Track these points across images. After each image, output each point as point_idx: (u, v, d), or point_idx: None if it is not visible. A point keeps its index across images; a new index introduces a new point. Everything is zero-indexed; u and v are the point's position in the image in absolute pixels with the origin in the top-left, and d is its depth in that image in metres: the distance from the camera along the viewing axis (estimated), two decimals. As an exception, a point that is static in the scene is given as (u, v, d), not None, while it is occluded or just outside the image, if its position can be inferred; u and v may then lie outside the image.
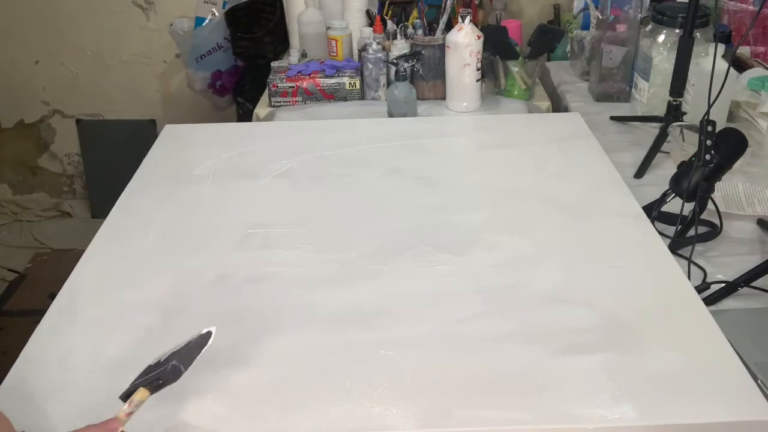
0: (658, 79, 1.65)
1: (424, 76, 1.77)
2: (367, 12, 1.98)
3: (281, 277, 0.99)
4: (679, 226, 1.19)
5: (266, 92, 1.85)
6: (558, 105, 1.93)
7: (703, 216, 1.20)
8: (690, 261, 1.12)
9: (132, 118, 2.83)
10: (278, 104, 1.81)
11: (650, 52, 1.66)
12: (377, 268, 1.01)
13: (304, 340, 0.87)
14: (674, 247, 1.16)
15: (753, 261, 1.14)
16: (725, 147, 1.19)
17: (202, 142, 1.44)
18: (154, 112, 2.82)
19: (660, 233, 1.10)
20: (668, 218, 1.22)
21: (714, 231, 1.25)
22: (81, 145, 2.90)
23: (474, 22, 1.72)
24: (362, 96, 1.82)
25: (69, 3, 2.63)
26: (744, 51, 1.85)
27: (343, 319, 0.90)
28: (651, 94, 1.68)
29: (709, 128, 1.20)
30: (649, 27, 1.68)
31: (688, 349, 0.83)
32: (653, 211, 1.20)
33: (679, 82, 1.46)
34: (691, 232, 1.16)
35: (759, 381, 0.82)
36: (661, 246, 1.05)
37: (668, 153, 1.50)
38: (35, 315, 0.93)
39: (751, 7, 1.87)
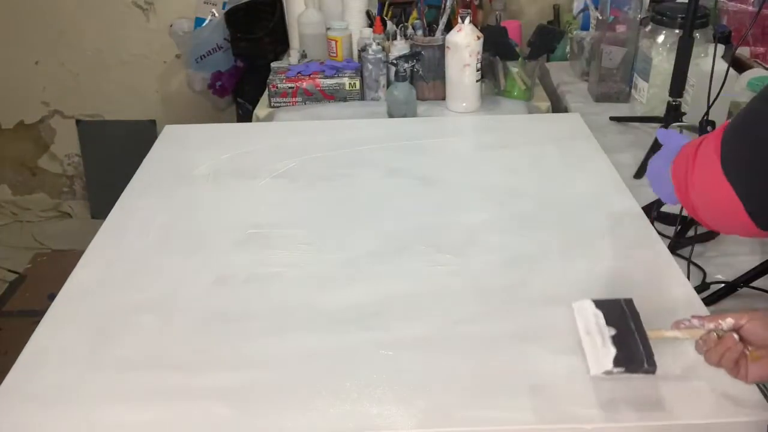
0: (657, 79, 1.65)
1: (424, 76, 1.77)
2: (367, 13, 1.98)
3: (281, 277, 0.99)
4: (679, 227, 1.19)
5: (266, 93, 1.85)
6: (558, 105, 1.93)
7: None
8: (689, 261, 1.12)
9: (132, 119, 2.82)
10: (278, 105, 1.81)
11: (650, 52, 1.66)
12: (377, 268, 1.01)
13: (304, 340, 0.87)
14: (674, 247, 1.16)
15: (753, 261, 1.14)
16: None
17: (202, 143, 1.44)
18: (154, 112, 2.81)
19: (659, 233, 1.10)
20: (668, 218, 1.22)
21: (713, 232, 1.25)
22: (81, 145, 2.90)
23: (473, 22, 1.71)
24: (362, 96, 1.82)
25: (69, 3, 2.63)
26: (743, 51, 1.85)
27: (343, 319, 0.90)
28: (650, 94, 1.68)
29: (709, 128, 1.20)
30: (649, 27, 1.68)
31: (687, 347, 0.83)
32: (653, 211, 1.20)
33: (678, 83, 1.46)
34: (691, 233, 1.16)
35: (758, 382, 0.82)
36: (661, 246, 1.05)
37: (668, 153, 1.50)
38: (35, 315, 0.93)
39: (750, 8, 1.87)
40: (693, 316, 0.75)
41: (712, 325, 0.73)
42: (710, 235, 1.24)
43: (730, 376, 0.72)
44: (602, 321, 0.77)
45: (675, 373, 0.79)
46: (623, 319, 0.77)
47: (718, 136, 0.70)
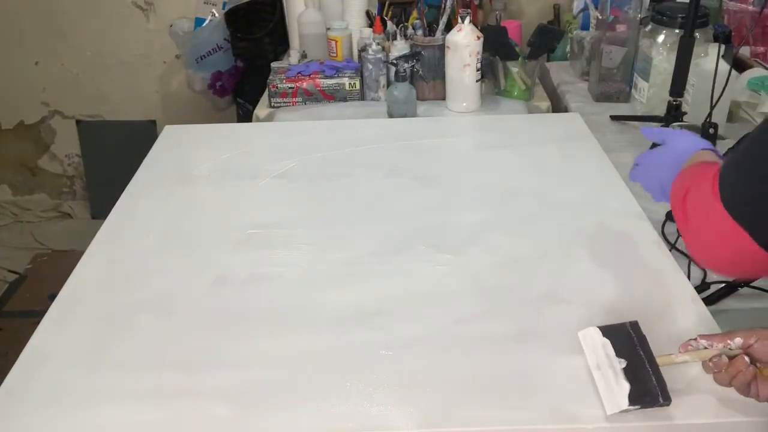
0: (657, 79, 1.65)
1: (424, 76, 1.77)
2: (367, 13, 1.98)
3: (281, 277, 0.99)
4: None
5: (266, 93, 1.85)
6: (558, 105, 1.93)
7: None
8: (691, 259, 1.12)
9: (132, 119, 2.83)
10: (278, 105, 1.81)
11: (650, 52, 1.66)
12: (377, 268, 1.01)
13: (304, 340, 0.87)
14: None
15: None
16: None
17: (202, 143, 1.44)
18: (154, 112, 2.82)
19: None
20: None
21: None
22: (81, 145, 2.90)
23: (474, 22, 1.72)
24: (362, 96, 1.82)
25: (69, 3, 2.63)
26: (744, 51, 1.85)
27: (343, 319, 0.90)
28: (651, 94, 1.68)
29: (711, 131, 1.19)
30: (649, 27, 1.68)
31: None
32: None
33: (678, 82, 1.46)
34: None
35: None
36: (661, 246, 1.05)
37: (668, 153, 1.50)
38: (35, 316, 0.93)
39: (751, 8, 1.87)
40: (700, 336, 0.74)
41: (720, 346, 0.72)
42: None
43: (741, 395, 0.72)
44: (611, 351, 0.75)
45: (676, 373, 0.79)
46: (631, 347, 0.76)
47: (711, 181, 0.69)
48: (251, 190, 1.24)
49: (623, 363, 0.74)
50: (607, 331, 0.77)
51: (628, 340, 0.76)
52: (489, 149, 1.38)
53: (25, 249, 2.79)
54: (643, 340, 0.77)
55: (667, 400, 0.72)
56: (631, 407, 0.72)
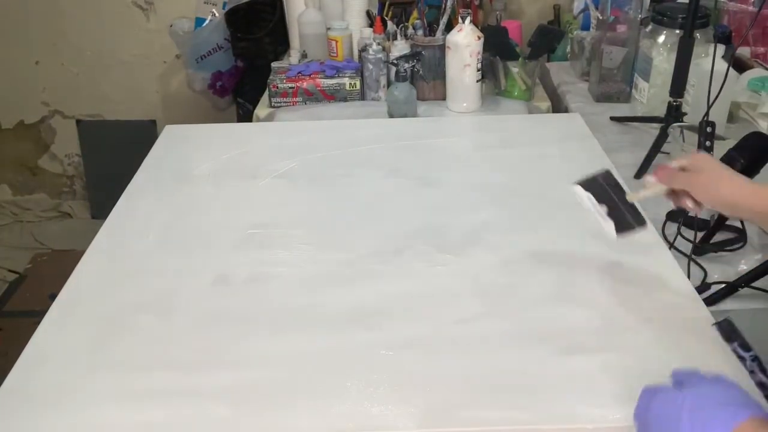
0: (658, 79, 1.65)
1: (425, 76, 1.77)
2: (368, 13, 1.98)
3: (281, 277, 0.99)
4: (704, 232, 1.18)
5: (266, 93, 1.85)
6: (558, 105, 1.93)
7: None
8: (690, 259, 1.12)
9: (132, 119, 2.83)
10: (278, 105, 1.81)
11: (650, 52, 1.66)
12: (377, 268, 1.01)
13: (304, 340, 0.87)
14: (699, 252, 1.14)
15: (753, 261, 1.14)
16: (751, 151, 1.15)
17: (202, 142, 1.44)
18: (154, 112, 2.82)
19: (684, 238, 1.09)
20: (693, 223, 1.19)
21: (740, 237, 1.21)
22: (81, 145, 2.90)
23: (474, 22, 1.72)
24: (362, 96, 1.82)
25: (69, 3, 2.63)
26: (744, 52, 1.86)
27: (343, 319, 0.90)
28: (651, 94, 1.68)
29: (708, 129, 1.19)
30: (649, 28, 1.69)
31: (688, 349, 0.83)
32: (680, 217, 1.18)
33: (679, 83, 1.46)
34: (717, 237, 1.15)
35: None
36: (662, 246, 1.05)
37: (668, 153, 1.50)
38: (35, 315, 0.93)
39: (751, 8, 1.87)
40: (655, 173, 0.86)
41: (684, 162, 0.84)
42: (737, 241, 1.21)
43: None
44: (594, 200, 0.90)
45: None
46: (606, 194, 0.89)
47: None
48: (251, 190, 1.24)
49: (605, 208, 0.89)
50: (587, 185, 0.91)
51: (603, 190, 0.90)
52: (489, 149, 1.38)
53: (25, 249, 2.79)
54: (614, 185, 0.90)
55: (642, 224, 0.88)
56: (618, 236, 0.89)
